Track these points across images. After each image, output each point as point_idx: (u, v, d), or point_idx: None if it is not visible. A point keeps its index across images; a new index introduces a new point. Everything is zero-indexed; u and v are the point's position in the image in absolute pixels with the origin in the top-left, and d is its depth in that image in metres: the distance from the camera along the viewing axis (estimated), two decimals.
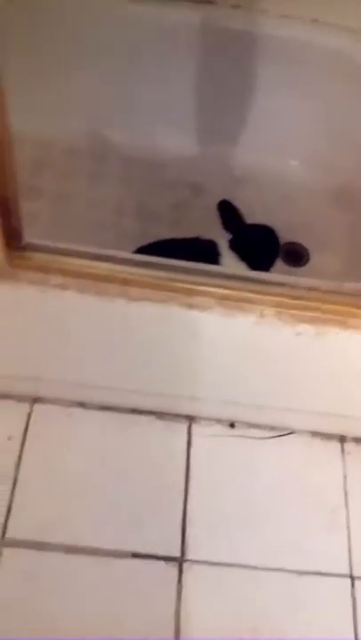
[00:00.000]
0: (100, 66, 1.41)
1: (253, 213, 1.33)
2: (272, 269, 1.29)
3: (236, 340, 1.02)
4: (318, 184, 1.53)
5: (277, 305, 0.95)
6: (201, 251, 1.22)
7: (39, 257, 0.93)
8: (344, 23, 1.38)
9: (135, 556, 1.11)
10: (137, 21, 1.35)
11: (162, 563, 1.11)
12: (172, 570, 1.11)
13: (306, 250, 1.46)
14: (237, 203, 1.32)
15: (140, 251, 1.20)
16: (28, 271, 0.93)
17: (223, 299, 0.94)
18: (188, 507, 1.17)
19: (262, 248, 1.28)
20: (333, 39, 1.39)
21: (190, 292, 0.94)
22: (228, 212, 1.28)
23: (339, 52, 1.39)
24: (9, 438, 1.20)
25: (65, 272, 0.94)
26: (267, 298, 0.95)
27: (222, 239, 1.26)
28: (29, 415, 1.23)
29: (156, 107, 1.49)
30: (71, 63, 1.40)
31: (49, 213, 1.38)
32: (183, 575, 1.10)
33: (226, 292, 0.95)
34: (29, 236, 0.92)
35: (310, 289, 0.97)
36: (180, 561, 1.12)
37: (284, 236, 1.37)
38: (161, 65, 1.42)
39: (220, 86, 1.46)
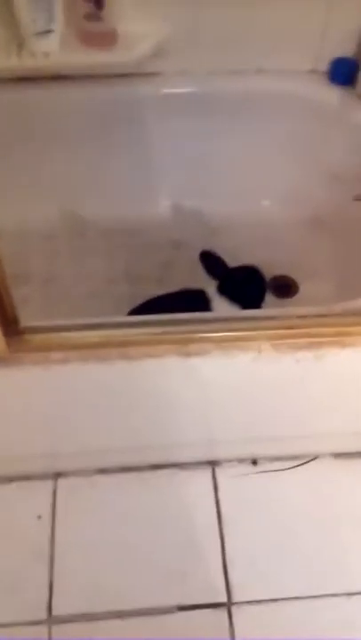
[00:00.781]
0: (59, 148, 1.48)
1: (236, 257, 1.38)
2: (264, 305, 1.33)
3: (239, 378, 1.05)
4: (292, 218, 1.59)
5: (273, 337, 0.98)
6: (191, 301, 1.27)
7: (37, 338, 0.97)
8: (287, 68, 1.46)
9: (181, 608, 1.11)
10: (92, 99, 1.43)
11: (210, 610, 1.11)
12: (221, 615, 1.11)
13: (293, 281, 1.50)
14: (218, 250, 1.37)
15: (133, 312, 1.24)
16: (29, 353, 0.97)
17: (220, 341, 0.98)
18: (226, 549, 1.18)
19: (250, 286, 1.32)
20: (279, 83, 1.47)
21: (187, 341, 0.98)
22: (210, 260, 1.33)
23: (286, 93, 1.47)
24: (39, 517, 1.22)
25: (64, 346, 0.97)
26: (261, 333, 0.98)
27: (210, 286, 1.30)
28: (54, 491, 1.25)
29: (122, 177, 1.56)
30: (31, 155, 1.47)
31: (40, 296, 1.43)
32: (233, 619, 1.10)
33: (221, 334, 0.98)
34: (25, 321, 0.96)
35: (302, 316, 1.01)
36: (227, 605, 1.12)
37: (271, 271, 1.42)
38: (119, 136, 1.49)
39: (182, 146, 1.53)
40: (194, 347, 0.98)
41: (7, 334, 0.92)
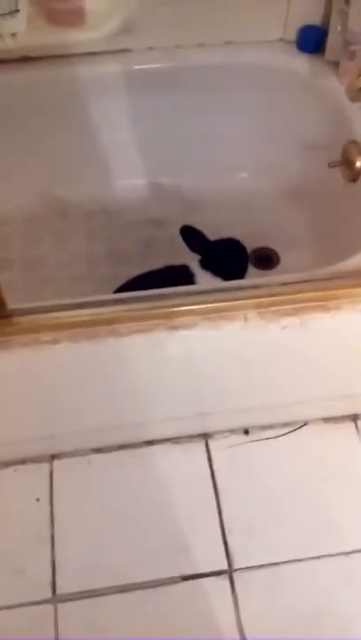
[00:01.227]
0: (33, 131, 1.47)
1: (217, 231, 1.39)
2: (247, 277, 1.34)
3: (227, 348, 1.06)
4: (270, 189, 1.60)
5: (258, 306, 1.00)
6: (175, 276, 1.27)
7: (26, 319, 0.98)
8: (255, 39, 1.46)
9: (185, 578, 1.14)
10: (63, 79, 1.41)
11: (212, 578, 1.13)
12: (223, 583, 1.13)
13: (275, 252, 1.52)
14: (199, 225, 1.37)
15: (118, 291, 1.25)
16: (19, 335, 0.98)
17: (206, 313, 0.99)
18: (224, 519, 1.21)
19: (232, 259, 1.33)
20: (249, 54, 1.47)
21: (174, 315, 0.99)
22: (191, 235, 1.34)
23: (256, 64, 1.47)
24: (37, 500, 1.23)
25: (53, 327, 0.98)
26: (246, 302, 1.00)
27: (193, 261, 1.31)
28: (51, 473, 1.26)
29: (98, 157, 1.55)
30: (5, 138, 1.44)
31: (24, 279, 1.43)
32: (235, 585, 1.13)
33: (207, 305, 1.00)
34: (11, 304, 0.97)
35: (284, 284, 1.03)
36: (229, 572, 1.14)
37: (252, 243, 1.43)
38: (93, 116, 1.48)
39: (155, 123, 1.53)
40: (181, 320, 0.99)
41: None
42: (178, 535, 1.19)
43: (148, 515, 1.21)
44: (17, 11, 1.25)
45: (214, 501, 1.23)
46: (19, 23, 1.27)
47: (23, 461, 1.26)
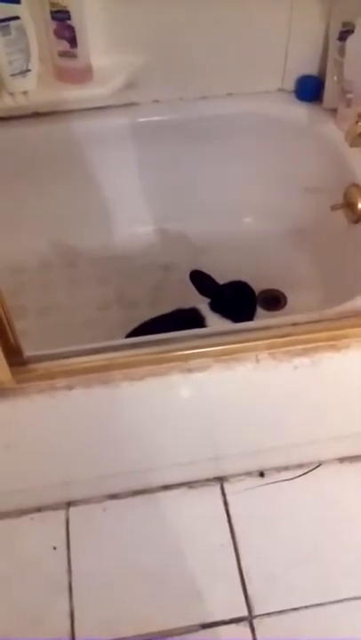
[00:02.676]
0: (44, 182, 1.52)
1: (224, 274, 1.41)
2: (255, 319, 1.36)
3: (240, 389, 1.07)
4: (274, 232, 1.63)
5: (269, 347, 1.01)
6: (186, 320, 1.29)
7: (41, 366, 0.99)
8: (255, 90, 1.52)
9: (204, 626, 1.11)
10: (72, 132, 1.46)
11: (232, 626, 1.11)
12: (244, 630, 1.11)
13: (281, 293, 1.54)
14: (206, 268, 1.40)
15: (130, 335, 1.26)
16: (35, 382, 0.99)
17: (218, 355, 1.01)
18: (242, 564, 1.19)
19: (241, 301, 1.35)
20: (249, 104, 1.52)
21: (187, 357, 1.00)
22: (200, 279, 1.36)
23: (257, 113, 1.52)
24: (54, 548, 1.22)
25: (68, 373, 0.99)
26: (257, 343, 1.01)
27: (203, 304, 1.33)
28: (67, 521, 1.25)
29: (106, 206, 1.60)
30: (17, 190, 1.51)
31: (38, 327, 1.45)
32: (256, 632, 1.11)
33: (218, 348, 1.01)
34: (26, 351, 0.98)
35: (295, 324, 1.04)
36: (249, 619, 1.12)
37: (258, 285, 1.45)
38: (101, 167, 1.53)
39: (161, 172, 1.58)
40: (194, 362, 1.01)
41: (12, 365, 0.94)
42: (196, 582, 1.17)
43: (165, 561, 1.20)
44: (28, 70, 1.30)
45: (232, 546, 1.21)
46: (30, 82, 1.32)
47: (39, 509, 1.25)
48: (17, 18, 1.24)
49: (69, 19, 1.26)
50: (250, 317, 1.34)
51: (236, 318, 1.28)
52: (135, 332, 1.27)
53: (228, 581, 1.17)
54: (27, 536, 1.23)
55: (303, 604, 1.14)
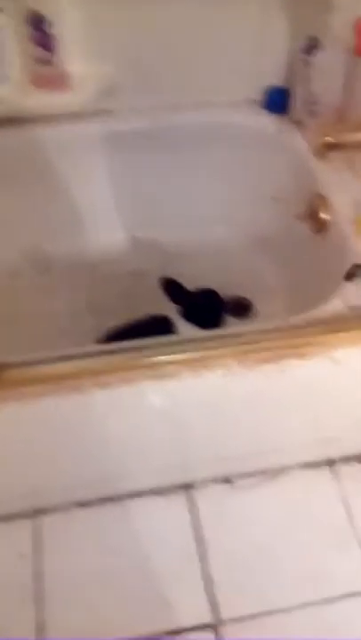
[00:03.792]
0: (17, 188, 1.51)
1: (194, 281, 1.43)
2: (223, 325, 1.37)
3: (209, 397, 1.08)
4: (243, 240, 1.66)
5: (238, 354, 1.03)
6: (156, 327, 1.30)
7: (10, 373, 0.99)
8: (225, 100, 1.54)
9: (171, 633, 1.12)
10: (46, 138, 1.46)
11: (198, 632, 1.12)
12: (209, 637, 1.12)
13: (249, 301, 1.56)
14: (177, 276, 1.41)
15: (101, 342, 1.27)
16: (3, 390, 0.99)
17: (189, 362, 1.02)
18: (210, 570, 1.20)
19: (210, 309, 1.37)
20: (219, 114, 1.55)
21: (156, 365, 1.01)
22: (171, 287, 1.37)
23: (226, 123, 1.55)
24: (21, 556, 1.21)
25: (37, 380, 0.99)
26: (226, 350, 1.03)
27: (172, 312, 1.34)
28: (34, 528, 1.24)
29: (79, 213, 1.60)
30: None
31: (7, 334, 1.44)
32: (223, 638, 1.11)
33: (188, 355, 1.02)
34: None
35: (262, 332, 1.06)
36: (214, 626, 1.13)
37: (227, 293, 1.47)
38: (74, 173, 1.53)
39: (133, 179, 1.59)
40: (164, 369, 1.02)
41: None
42: (164, 588, 1.17)
43: (133, 569, 1.20)
44: (5, 77, 1.30)
45: (199, 553, 1.22)
46: (6, 88, 1.32)
47: (7, 517, 1.24)
48: None
49: (47, 26, 1.26)
50: (219, 325, 1.36)
51: (206, 325, 1.30)
52: (106, 339, 1.28)
53: (196, 587, 1.18)
54: None
55: (269, 609, 1.16)
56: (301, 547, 1.24)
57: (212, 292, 1.39)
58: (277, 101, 1.52)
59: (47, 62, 1.32)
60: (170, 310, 1.34)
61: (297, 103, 1.48)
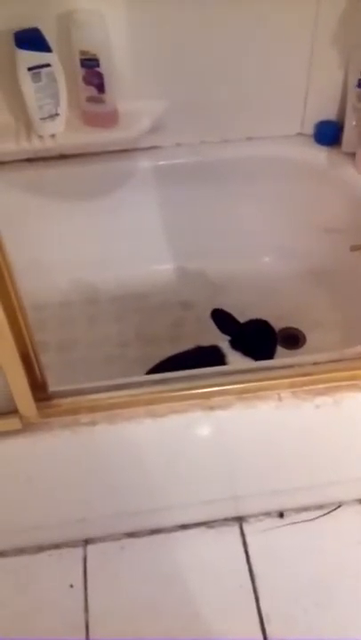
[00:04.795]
0: (68, 221, 1.56)
1: (243, 312, 1.42)
2: (275, 357, 1.36)
3: (262, 428, 1.07)
4: (294, 272, 1.66)
5: (291, 385, 1.02)
6: (206, 357, 1.30)
7: (66, 401, 1.00)
8: (274, 134, 1.56)
9: None
10: (96, 174, 1.51)
11: None
12: None
13: (301, 332, 1.55)
14: (225, 307, 1.41)
15: (151, 372, 1.27)
16: (59, 417, 1.00)
17: (240, 392, 1.01)
18: (262, 606, 1.17)
19: (261, 339, 1.36)
20: (269, 148, 1.56)
21: (209, 395, 1.01)
22: (222, 317, 1.37)
23: (276, 156, 1.56)
24: (71, 586, 1.21)
25: (92, 408, 1.00)
26: (280, 381, 1.02)
27: (223, 342, 1.34)
28: (85, 559, 1.24)
29: (128, 244, 1.63)
30: (42, 229, 1.55)
31: (59, 362, 1.47)
32: None
33: (241, 386, 1.02)
34: (50, 386, 1.00)
35: (316, 363, 1.05)
36: None
37: (277, 324, 1.46)
38: (124, 207, 1.57)
39: (181, 212, 1.61)
40: (216, 400, 1.01)
41: (37, 400, 0.95)
42: (215, 623, 1.15)
43: (183, 602, 1.18)
44: (57, 114, 1.35)
45: (250, 588, 1.20)
46: (58, 125, 1.36)
47: (57, 546, 1.25)
48: (48, 65, 1.29)
49: (98, 66, 1.31)
50: (270, 356, 1.35)
51: (257, 356, 1.29)
52: (156, 369, 1.28)
53: (247, 623, 1.15)
54: (44, 573, 1.22)
55: None
56: (357, 583, 1.20)
57: (264, 323, 1.38)
58: (329, 134, 1.53)
59: (98, 100, 1.36)
60: (220, 341, 1.34)
61: (349, 136, 1.49)
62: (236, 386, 1.02)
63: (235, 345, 1.31)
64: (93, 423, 1.00)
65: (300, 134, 1.57)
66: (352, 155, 1.49)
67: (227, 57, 1.40)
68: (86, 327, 1.58)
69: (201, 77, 1.42)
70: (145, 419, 1.00)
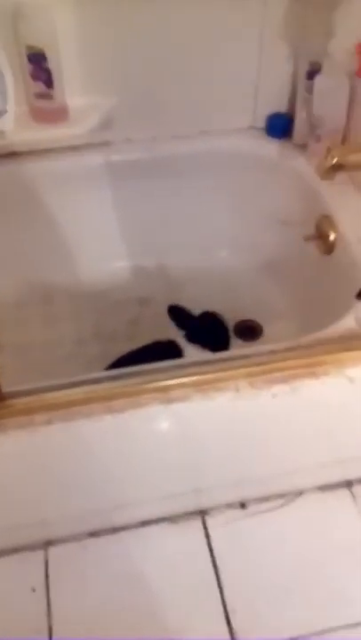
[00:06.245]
0: (21, 220, 1.53)
1: (202, 307, 1.43)
2: (233, 348, 1.37)
3: (220, 419, 1.07)
4: (250, 264, 1.66)
5: (248, 375, 1.02)
6: (164, 351, 1.30)
7: (20, 402, 0.99)
8: (226, 128, 1.57)
9: None
10: (47, 171, 1.49)
11: None
12: None
13: (258, 324, 1.56)
14: (183, 302, 1.42)
15: (109, 368, 1.26)
16: (13, 418, 0.98)
17: (198, 384, 1.01)
18: (226, 597, 1.17)
19: (213, 330, 1.37)
20: (222, 142, 1.57)
21: (167, 388, 1.00)
22: (177, 313, 1.38)
23: (229, 150, 1.56)
24: (33, 590, 1.18)
25: (47, 407, 0.99)
26: (236, 372, 1.02)
27: (179, 337, 1.34)
28: (46, 561, 1.22)
29: (83, 242, 1.61)
30: None
31: (15, 363, 1.43)
32: None
33: (198, 377, 1.01)
34: (4, 387, 0.97)
35: (272, 352, 1.05)
36: None
37: (235, 316, 1.47)
38: (76, 204, 1.55)
39: (135, 208, 1.60)
40: (174, 392, 1.01)
41: None
42: (179, 618, 1.14)
43: (148, 598, 1.17)
44: (5, 111, 1.32)
45: (215, 581, 1.19)
46: (6, 122, 1.34)
47: (17, 550, 1.22)
48: None
49: (46, 61, 1.29)
50: (226, 346, 1.35)
51: (213, 347, 1.29)
52: (114, 365, 1.28)
53: (212, 615, 1.15)
54: (4, 578, 1.19)
55: (288, 636, 1.12)
56: (320, 571, 1.20)
57: (213, 314, 1.39)
58: (279, 127, 1.54)
59: (46, 96, 1.34)
60: (177, 335, 1.34)
61: (300, 127, 1.50)
62: (193, 378, 1.02)
63: (191, 338, 1.32)
64: (49, 422, 0.98)
65: (251, 127, 1.58)
66: (304, 146, 1.51)
67: (176, 52, 1.40)
68: (42, 327, 1.55)
69: (150, 73, 1.42)
70: (103, 415, 0.99)
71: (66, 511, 1.19)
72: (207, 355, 1.27)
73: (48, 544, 1.24)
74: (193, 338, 1.32)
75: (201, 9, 1.34)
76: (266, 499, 1.30)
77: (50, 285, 1.62)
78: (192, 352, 1.29)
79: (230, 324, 1.51)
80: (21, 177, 1.47)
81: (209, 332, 1.35)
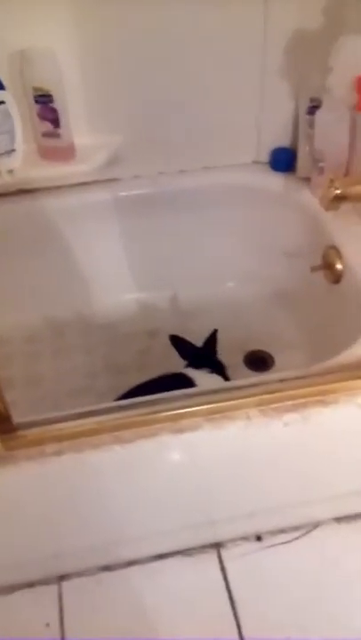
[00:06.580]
0: (31, 256, 1.56)
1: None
2: (242, 377, 1.37)
3: (232, 449, 1.06)
4: (258, 295, 1.68)
5: (259, 403, 1.02)
6: (174, 383, 1.30)
7: (31, 432, 0.99)
8: (230, 163, 1.60)
9: None
10: (56, 208, 1.52)
11: None
12: None
13: (268, 354, 1.56)
14: (192, 333, 1.42)
15: (119, 400, 1.26)
16: (24, 449, 0.98)
17: (208, 414, 1.01)
18: (243, 632, 1.14)
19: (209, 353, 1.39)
20: (226, 176, 1.60)
21: (176, 418, 1.00)
22: (178, 343, 1.40)
23: (234, 184, 1.60)
24: (47, 625, 1.17)
25: (57, 437, 0.99)
26: (247, 400, 1.02)
27: (187, 368, 1.35)
28: (60, 595, 1.20)
29: (92, 276, 1.64)
30: (3, 265, 1.54)
31: (25, 397, 1.45)
32: None
33: (208, 406, 1.01)
34: (15, 419, 0.98)
35: (283, 380, 1.06)
36: None
37: (245, 347, 1.48)
38: (85, 239, 1.58)
39: (144, 243, 1.63)
40: (185, 422, 1.01)
41: (1, 432, 0.93)
42: None
43: (163, 633, 1.15)
44: (13, 150, 1.36)
45: (231, 615, 1.17)
46: (15, 161, 1.38)
47: (31, 584, 1.21)
48: (2, 102, 1.31)
49: (52, 102, 1.33)
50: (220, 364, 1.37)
51: (217, 368, 1.31)
52: (124, 397, 1.28)
53: None
54: (18, 613, 1.17)
55: None
56: (338, 604, 1.18)
57: (211, 337, 1.41)
58: (283, 161, 1.57)
59: (54, 135, 1.38)
60: (184, 368, 1.35)
61: (303, 161, 1.53)
62: (203, 407, 1.02)
63: (195, 366, 1.33)
64: (59, 453, 0.98)
65: (255, 162, 1.61)
66: (307, 179, 1.53)
67: (180, 90, 1.44)
68: (53, 361, 1.57)
69: (154, 111, 1.46)
70: (113, 445, 0.99)
71: (78, 544, 1.18)
72: (218, 383, 1.27)
73: (62, 578, 1.23)
74: (196, 366, 1.34)
75: (202, 46, 1.39)
76: (282, 530, 1.28)
77: (61, 319, 1.64)
78: (203, 380, 1.29)
79: (240, 354, 1.52)
80: (32, 213, 1.50)
81: (206, 356, 1.37)
